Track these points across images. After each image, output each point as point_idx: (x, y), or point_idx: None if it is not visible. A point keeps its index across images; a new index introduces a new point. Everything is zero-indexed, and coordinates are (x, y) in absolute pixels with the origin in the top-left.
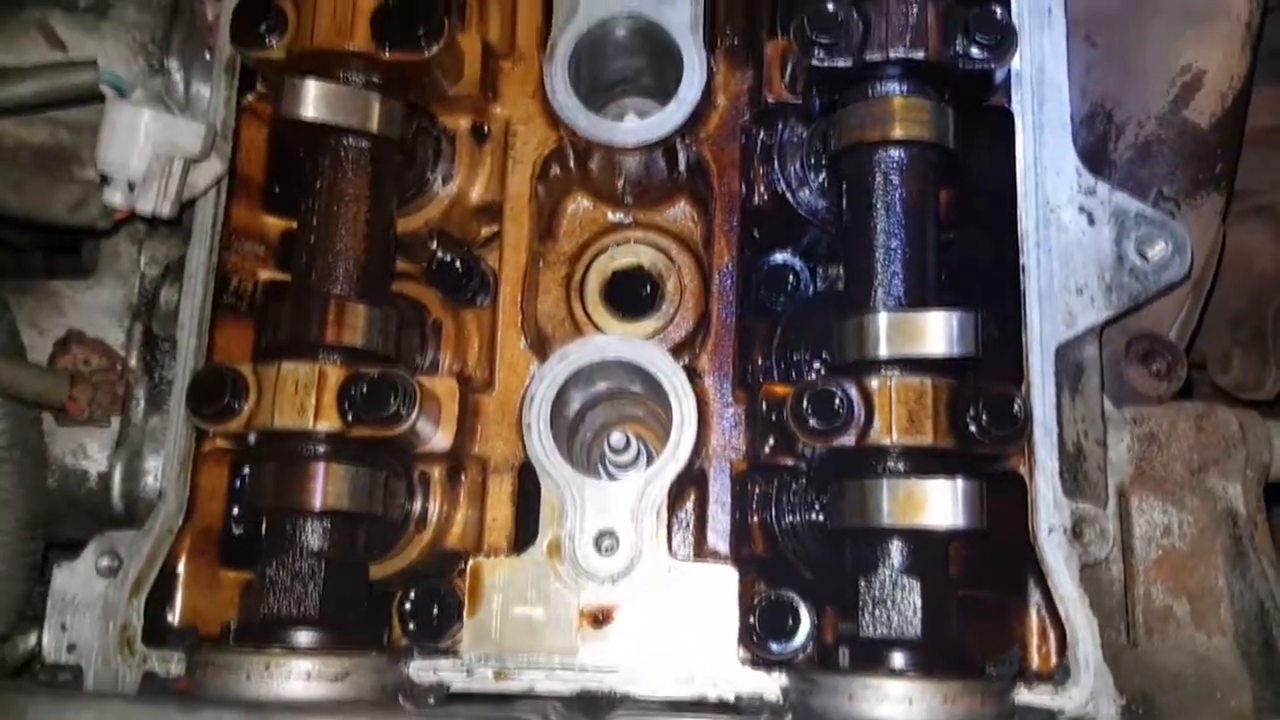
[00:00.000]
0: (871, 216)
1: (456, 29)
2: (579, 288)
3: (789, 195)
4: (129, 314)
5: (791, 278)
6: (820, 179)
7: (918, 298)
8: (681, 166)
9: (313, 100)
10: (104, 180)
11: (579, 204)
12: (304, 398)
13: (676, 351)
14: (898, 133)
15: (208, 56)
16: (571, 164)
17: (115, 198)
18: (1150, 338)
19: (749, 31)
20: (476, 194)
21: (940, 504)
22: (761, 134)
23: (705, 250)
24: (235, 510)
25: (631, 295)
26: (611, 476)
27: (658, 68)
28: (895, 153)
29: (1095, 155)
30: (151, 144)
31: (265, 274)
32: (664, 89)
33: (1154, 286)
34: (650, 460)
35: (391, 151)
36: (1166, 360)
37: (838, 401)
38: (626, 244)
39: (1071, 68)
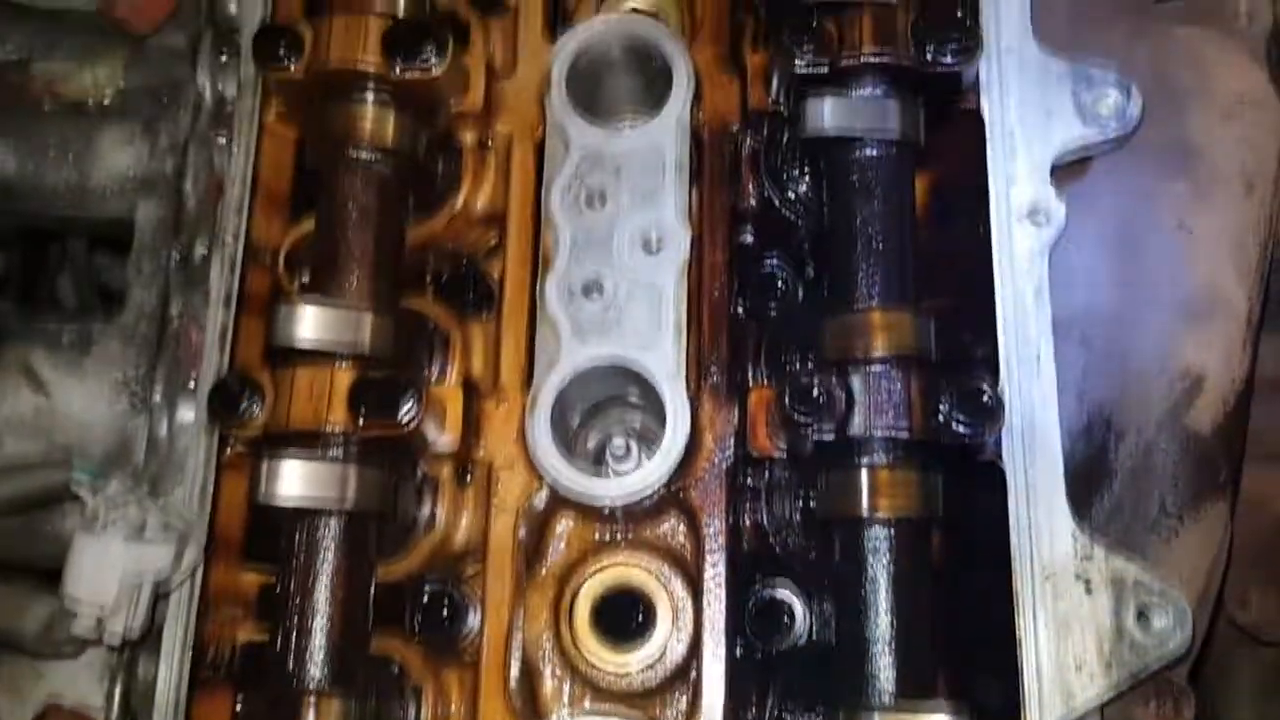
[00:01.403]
0: (864, 595)
1: (437, 384)
2: (568, 613)
3: (777, 546)
4: (108, 675)
5: (786, 617)
6: (808, 531)
7: (913, 686)
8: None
9: (288, 483)
10: (72, 611)
11: (565, 524)
12: None
13: (670, 684)
14: (884, 512)
15: (191, 386)
16: (554, 496)
17: (84, 629)
18: (1156, 680)
19: (733, 369)
20: (460, 539)
21: None
22: (749, 479)
23: (696, 574)
24: None
25: (622, 622)
26: None
27: (644, 388)
28: (883, 530)
29: (1095, 465)
30: (120, 574)
31: (244, 635)
32: (651, 405)
33: (1155, 663)
34: None
35: (370, 519)
36: (1172, 698)
37: None
38: (615, 566)
39: (1065, 374)
